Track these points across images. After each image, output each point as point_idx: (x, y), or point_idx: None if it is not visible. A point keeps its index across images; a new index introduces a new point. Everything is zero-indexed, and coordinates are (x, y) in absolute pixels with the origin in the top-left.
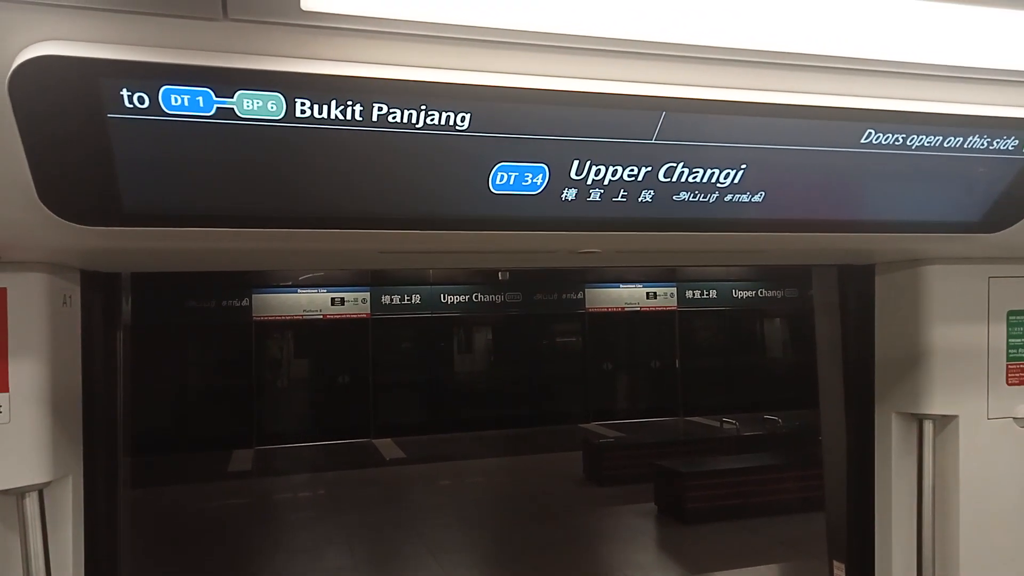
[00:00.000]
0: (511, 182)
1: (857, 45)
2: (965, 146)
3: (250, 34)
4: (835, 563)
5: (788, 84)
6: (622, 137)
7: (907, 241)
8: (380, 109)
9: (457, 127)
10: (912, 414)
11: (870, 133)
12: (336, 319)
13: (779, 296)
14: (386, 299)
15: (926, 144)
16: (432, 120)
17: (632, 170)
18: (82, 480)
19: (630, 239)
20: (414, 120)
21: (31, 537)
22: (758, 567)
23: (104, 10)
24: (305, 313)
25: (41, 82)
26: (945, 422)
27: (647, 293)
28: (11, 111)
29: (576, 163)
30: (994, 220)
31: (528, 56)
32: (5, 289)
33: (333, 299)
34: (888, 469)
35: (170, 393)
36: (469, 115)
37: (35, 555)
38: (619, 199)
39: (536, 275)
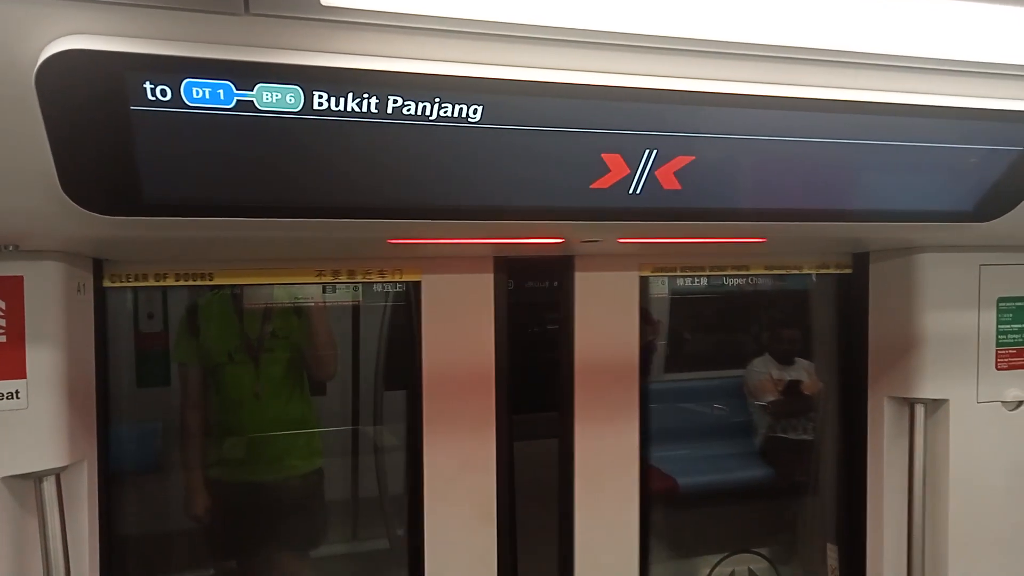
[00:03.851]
0: (523, 172)
1: (853, 40)
2: (958, 138)
3: (271, 28)
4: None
5: (784, 77)
6: (628, 129)
7: (901, 230)
8: (395, 101)
9: (470, 119)
10: (904, 398)
11: (865, 125)
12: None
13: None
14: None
15: (919, 136)
16: (445, 112)
17: (637, 162)
18: (96, 464)
19: (627, 228)
20: (428, 112)
21: (49, 520)
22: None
23: (129, 5)
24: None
25: (67, 76)
26: (936, 406)
27: None
28: (38, 104)
29: (588, 154)
30: (985, 210)
31: (541, 50)
32: (22, 277)
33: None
34: (880, 452)
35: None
36: (482, 108)
37: (53, 536)
38: (618, 191)
39: (528, 261)
